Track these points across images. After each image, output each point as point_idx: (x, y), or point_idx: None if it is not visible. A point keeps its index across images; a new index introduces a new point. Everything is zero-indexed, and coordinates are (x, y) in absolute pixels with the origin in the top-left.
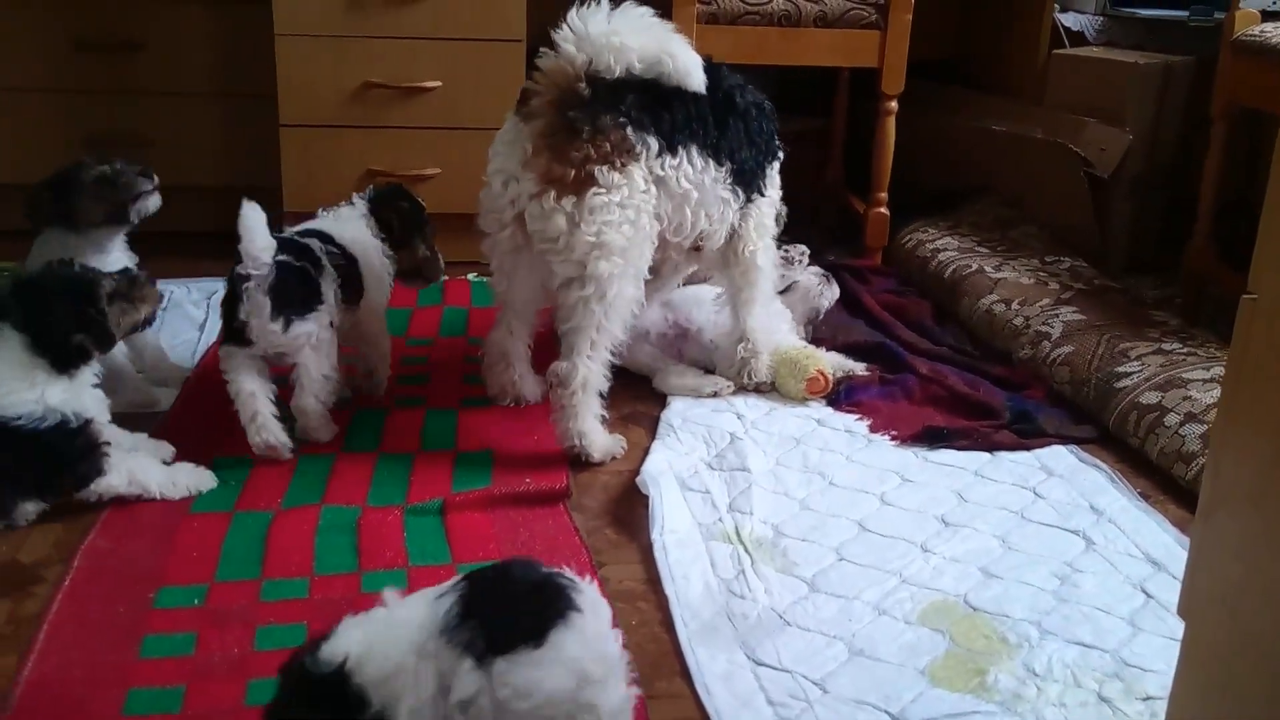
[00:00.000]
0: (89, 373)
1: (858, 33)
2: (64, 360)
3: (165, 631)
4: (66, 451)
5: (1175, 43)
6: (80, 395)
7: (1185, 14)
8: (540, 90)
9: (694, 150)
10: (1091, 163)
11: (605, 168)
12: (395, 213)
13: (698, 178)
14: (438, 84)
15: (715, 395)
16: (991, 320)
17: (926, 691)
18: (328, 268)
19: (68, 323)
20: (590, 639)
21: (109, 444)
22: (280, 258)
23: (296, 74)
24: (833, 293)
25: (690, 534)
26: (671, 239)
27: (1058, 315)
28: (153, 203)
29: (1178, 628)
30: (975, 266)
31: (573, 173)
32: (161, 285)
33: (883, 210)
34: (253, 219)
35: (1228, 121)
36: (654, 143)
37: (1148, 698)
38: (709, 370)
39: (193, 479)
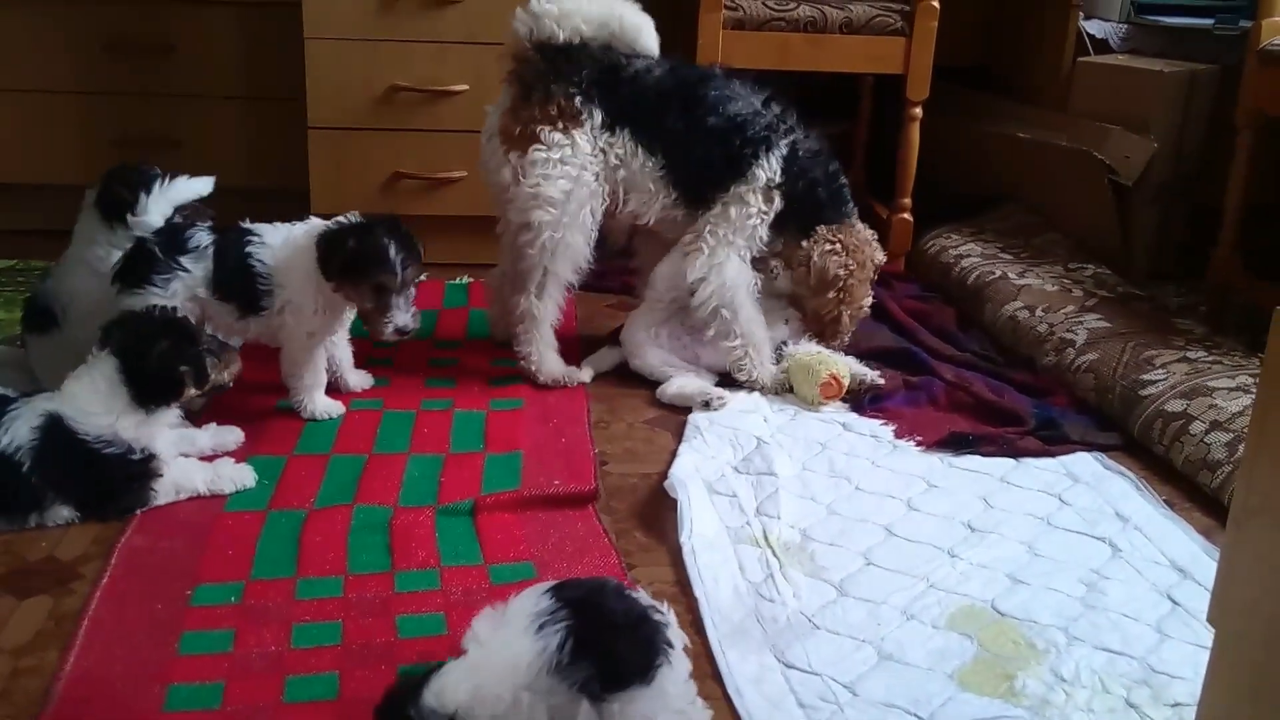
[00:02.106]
0: (168, 414)
1: (883, 39)
2: (149, 395)
3: (203, 628)
4: (119, 477)
5: (1200, 51)
6: (152, 430)
7: (1210, 22)
8: (507, 65)
9: (628, 134)
10: (1116, 170)
11: (549, 128)
12: (336, 247)
13: (629, 160)
14: (465, 87)
15: (707, 406)
16: (1015, 327)
17: (956, 696)
18: (190, 265)
19: (171, 355)
20: (680, 672)
21: (161, 476)
22: (145, 236)
23: (325, 76)
24: None
25: (718, 537)
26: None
27: (1082, 322)
28: None
29: (1205, 635)
30: (999, 273)
31: (519, 129)
32: None
33: (906, 216)
34: (155, 195)
35: (1253, 130)
36: (599, 115)
37: (1176, 704)
38: (726, 373)
39: (236, 474)
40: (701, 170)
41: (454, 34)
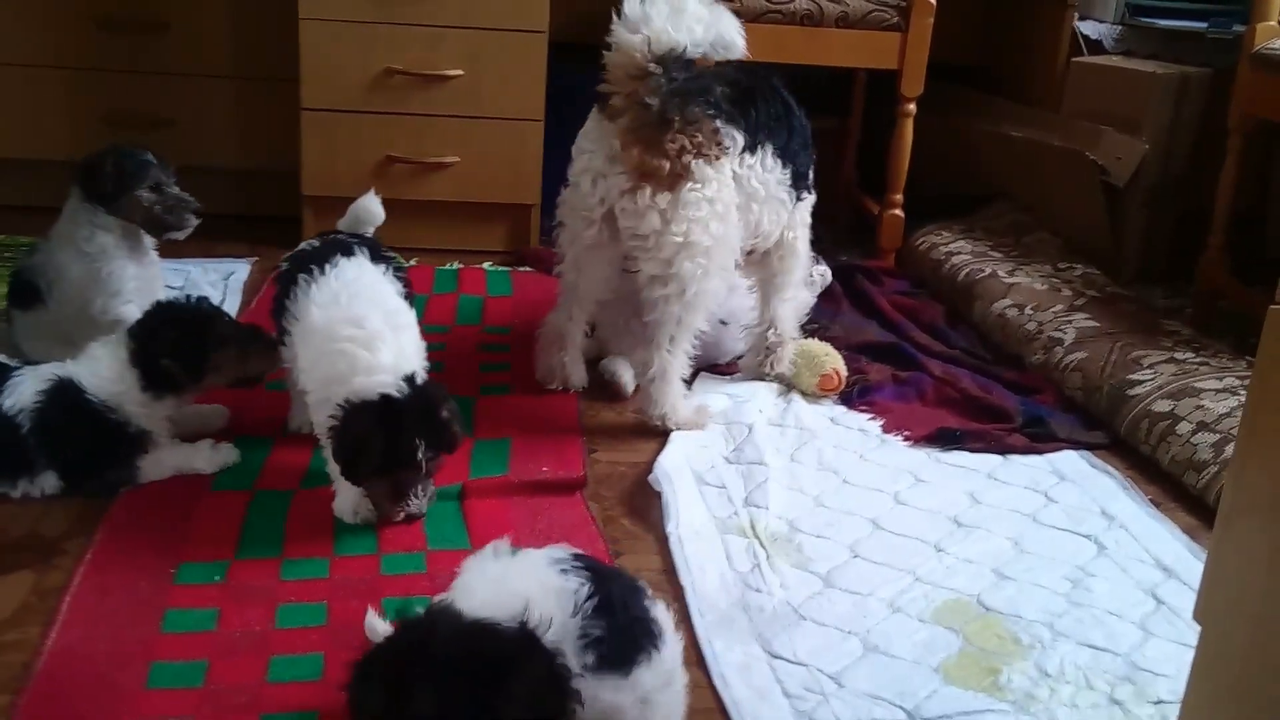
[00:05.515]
0: (174, 403)
1: (879, 34)
2: (151, 381)
3: (187, 606)
4: (109, 447)
5: (1192, 54)
6: (152, 414)
7: (1203, 25)
8: (615, 88)
9: (770, 151)
10: (1107, 171)
11: (700, 161)
12: (360, 446)
13: (766, 178)
14: (460, 73)
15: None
16: (1004, 324)
17: (940, 689)
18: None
19: (162, 347)
20: (660, 672)
21: (147, 453)
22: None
23: (319, 58)
24: (821, 270)
25: (706, 527)
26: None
27: (1071, 321)
28: (183, 234)
29: (1188, 633)
30: (988, 271)
31: (668, 165)
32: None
33: (897, 212)
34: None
35: (1244, 134)
36: (740, 138)
37: (1159, 701)
38: (739, 358)
39: (219, 454)
40: (805, 163)
41: (449, 18)
